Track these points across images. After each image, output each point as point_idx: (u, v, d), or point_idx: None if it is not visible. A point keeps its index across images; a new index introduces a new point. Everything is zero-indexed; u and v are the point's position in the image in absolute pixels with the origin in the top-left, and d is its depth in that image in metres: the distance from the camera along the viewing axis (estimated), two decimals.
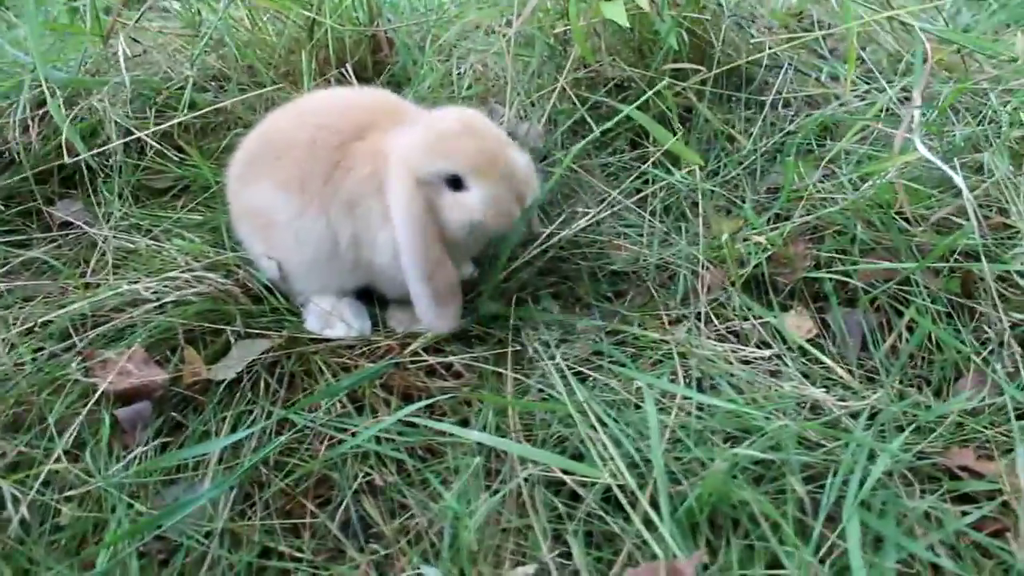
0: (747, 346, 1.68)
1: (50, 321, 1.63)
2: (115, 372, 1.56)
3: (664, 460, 1.38)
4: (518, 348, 1.69)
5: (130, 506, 1.39)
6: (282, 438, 1.50)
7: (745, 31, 2.13)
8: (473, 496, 1.40)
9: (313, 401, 1.58)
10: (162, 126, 1.90)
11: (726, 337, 1.72)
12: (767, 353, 1.64)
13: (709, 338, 1.70)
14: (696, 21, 2.00)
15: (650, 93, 1.86)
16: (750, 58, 2.07)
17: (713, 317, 1.75)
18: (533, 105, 2.08)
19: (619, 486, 1.37)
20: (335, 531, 1.41)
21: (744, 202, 1.96)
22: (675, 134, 1.97)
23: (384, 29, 2.31)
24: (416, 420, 1.49)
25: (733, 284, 1.79)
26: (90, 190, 2.00)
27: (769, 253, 1.81)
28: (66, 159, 1.81)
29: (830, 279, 1.78)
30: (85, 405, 1.52)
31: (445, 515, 1.38)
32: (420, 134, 1.62)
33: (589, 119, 1.99)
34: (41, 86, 1.89)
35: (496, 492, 1.41)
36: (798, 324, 1.77)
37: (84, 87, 1.94)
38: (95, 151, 1.90)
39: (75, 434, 1.49)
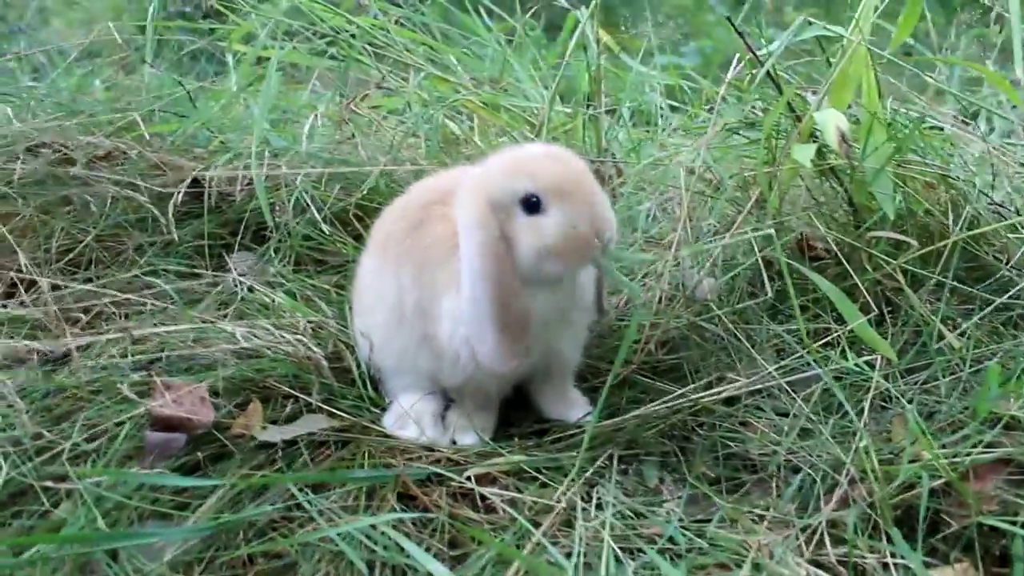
0: None
1: (145, 338, 1.68)
2: (166, 398, 1.55)
3: None
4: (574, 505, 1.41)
5: (93, 520, 1.33)
6: (268, 507, 1.36)
7: (1000, 217, 1.70)
8: None
9: (318, 480, 1.42)
10: (340, 203, 1.97)
11: (834, 568, 1.28)
12: None
13: (809, 562, 1.28)
14: (927, 191, 1.65)
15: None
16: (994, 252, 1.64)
17: (826, 537, 1.32)
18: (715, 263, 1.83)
19: None
20: None
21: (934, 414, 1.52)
22: (870, 315, 1.59)
23: (604, 160, 2.22)
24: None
25: (872, 506, 1.35)
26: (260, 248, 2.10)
27: (941, 481, 1.35)
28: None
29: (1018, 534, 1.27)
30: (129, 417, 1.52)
31: None
32: (498, 158, 1.51)
33: (766, 280, 1.69)
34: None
35: None
36: None
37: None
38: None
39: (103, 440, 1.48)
